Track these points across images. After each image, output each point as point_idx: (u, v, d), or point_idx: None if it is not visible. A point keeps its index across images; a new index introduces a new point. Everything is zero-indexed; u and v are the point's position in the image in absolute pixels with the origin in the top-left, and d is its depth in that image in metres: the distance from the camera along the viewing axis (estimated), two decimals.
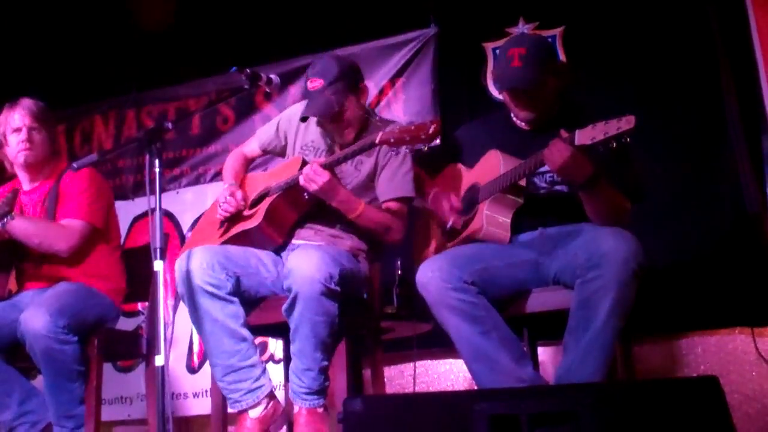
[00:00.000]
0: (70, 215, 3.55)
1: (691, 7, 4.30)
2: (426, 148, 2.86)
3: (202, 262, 2.99)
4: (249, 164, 3.66)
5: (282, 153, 3.56)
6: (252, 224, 3.18)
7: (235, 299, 3.04)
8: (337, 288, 2.91)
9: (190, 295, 3.00)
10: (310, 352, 2.93)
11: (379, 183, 3.30)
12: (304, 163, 3.23)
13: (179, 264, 3.03)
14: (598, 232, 2.80)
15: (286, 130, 3.51)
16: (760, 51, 4.07)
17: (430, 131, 2.79)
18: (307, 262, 2.88)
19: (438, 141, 4.64)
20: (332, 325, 2.93)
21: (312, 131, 3.43)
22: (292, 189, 3.15)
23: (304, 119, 3.32)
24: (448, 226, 3.15)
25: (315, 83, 3.19)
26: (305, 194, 3.13)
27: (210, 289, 2.98)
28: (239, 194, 3.33)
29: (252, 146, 3.63)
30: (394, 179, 3.25)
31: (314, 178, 3.04)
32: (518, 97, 3.09)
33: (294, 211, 3.24)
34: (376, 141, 2.93)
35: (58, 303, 3.31)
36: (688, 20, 4.30)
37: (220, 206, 3.35)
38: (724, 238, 4.01)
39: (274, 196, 3.20)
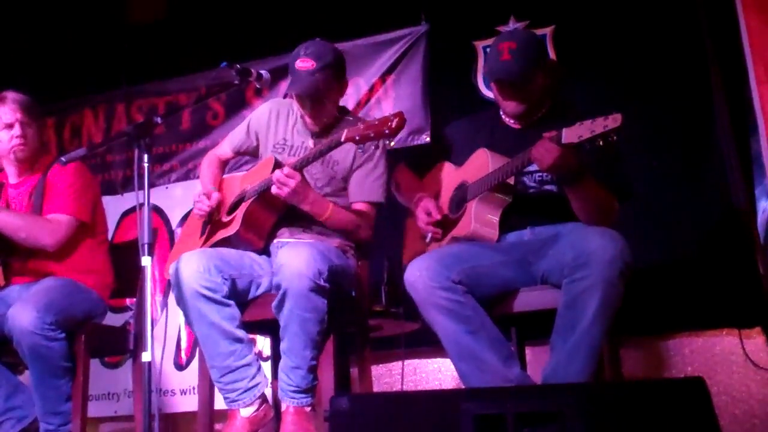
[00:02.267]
0: (57, 210, 3.53)
1: (681, 7, 4.30)
2: (392, 143, 2.86)
3: (198, 266, 2.99)
4: (224, 166, 3.65)
5: (254, 153, 3.55)
6: (230, 232, 3.19)
7: (231, 302, 3.04)
8: (326, 284, 2.91)
9: (186, 299, 2.99)
10: (299, 349, 2.93)
11: (350, 184, 3.31)
12: (277, 163, 3.22)
13: (174, 268, 3.02)
14: (586, 231, 2.80)
15: (257, 130, 3.49)
16: (750, 51, 4.06)
17: (393, 125, 2.80)
18: (296, 258, 2.88)
19: (420, 132, 4.69)
20: (321, 322, 2.93)
21: (282, 129, 3.43)
22: (266, 192, 3.14)
23: (287, 96, 3.29)
24: (427, 239, 3.17)
25: (306, 63, 3.18)
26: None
27: (206, 293, 2.97)
28: (215, 195, 3.33)
29: (224, 148, 3.61)
30: (365, 183, 3.28)
31: (286, 182, 3.02)
32: (505, 89, 3.11)
33: (271, 214, 3.24)
34: (342, 139, 2.94)
35: (45, 299, 3.30)
36: (678, 20, 4.31)
37: (194, 206, 3.36)
38: (712, 238, 4.02)
39: (250, 200, 3.20)
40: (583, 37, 4.48)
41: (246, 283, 3.13)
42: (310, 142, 3.34)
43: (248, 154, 3.63)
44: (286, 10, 5.17)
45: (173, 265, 3.05)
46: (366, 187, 3.29)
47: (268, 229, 3.26)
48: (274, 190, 3.06)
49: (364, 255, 3.42)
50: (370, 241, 3.39)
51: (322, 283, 2.89)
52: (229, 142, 3.59)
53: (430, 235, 3.16)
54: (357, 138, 2.88)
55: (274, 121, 3.45)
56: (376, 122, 2.85)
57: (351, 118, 3.38)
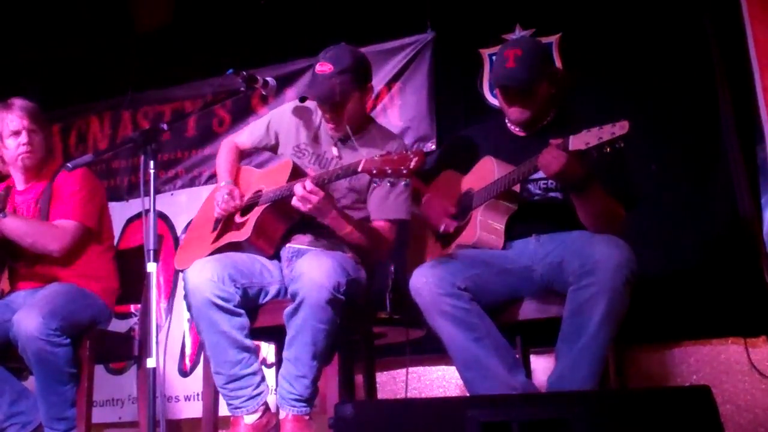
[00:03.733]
0: (63, 216, 3.54)
1: (688, 15, 4.29)
2: (406, 183, 2.81)
3: (212, 274, 2.97)
4: (242, 156, 3.60)
5: (273, 150, 3.51)
6: (241, 237, 3.16)
7: (242, 311, 3.03)
8: (343, 297, 2.89)
9: (198, 306, 2.98)
10: (307, 359, 2.92)
11: (370, 201, 3.24)
12: (295, 169, 3.19)
13: (189, 275, 3.01)
14: (592, 239, 2.80)
15: (277, 129, 3.45)
16: (756, 60, 4.07)
17: (412, 165, 2.69)
18: (318, 268, 2.86)
19: (435, 150, 4.69)
20: (333, 335, 2.91)
21: (304, 134, 3.38)
22: (281, 201, 3.09)
23: (302, 99, 3.23)
24: (441, 230, 3.14)
25: (324, 67, 3.13)
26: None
27: (219, 302, 2.96)
28: (237, 194, 3.30)
29: (243, 139, 3.56)
30: (387, 200, 3.19)
31: (309, 198, 2.95)
32: (509, 96, 3.12)
33: (283, 222, 3.20)
34: (359, 169, 2.85)
35: (50, 304, 3.30)
36: (685, 29, 4.29)
37: (217, 205, 3.30)
38: (718, 247, 4.00)
39: (263, 207, 3.16)
40: (590, 45, 4.47)
41: (255, 292, 3.12)
42: (333, 150, 3.30)
43: (267, 150, 3.60)
44: (293, 17, 5.18)
45: (186, 272, 3.04)
46: (388, 205, 3.20)
47: (279, 236, 3.23)
48: (295, 203, 2.98)
49: (372, 263, 3.39)
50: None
51: (339, 296, 2.87)
52: (249, 134, 3.54)
53: (443, 227, 3.13)
54: (374, 171, 2.77)
55: (295, 125, 3.40)
56: (395, 158, 2.74)
57: (377, 129, 3.33)
